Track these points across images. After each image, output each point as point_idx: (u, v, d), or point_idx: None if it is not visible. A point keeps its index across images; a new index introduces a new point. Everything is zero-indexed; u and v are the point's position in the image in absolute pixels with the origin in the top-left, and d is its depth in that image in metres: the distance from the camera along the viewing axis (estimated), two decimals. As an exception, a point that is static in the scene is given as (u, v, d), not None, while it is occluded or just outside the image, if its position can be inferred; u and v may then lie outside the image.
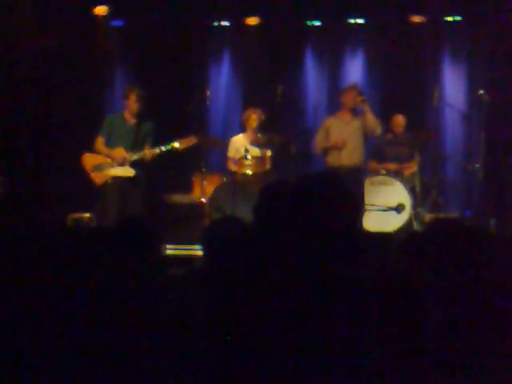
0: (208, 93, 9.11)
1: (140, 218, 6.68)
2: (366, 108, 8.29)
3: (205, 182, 8.60)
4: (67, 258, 3.03)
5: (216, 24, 10.49)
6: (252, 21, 10.19)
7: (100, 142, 8.01)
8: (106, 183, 7.94)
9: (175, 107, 9.03)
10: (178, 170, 9.19)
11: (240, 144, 8.67)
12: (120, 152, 7.95)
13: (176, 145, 7.98)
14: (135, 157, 7.94)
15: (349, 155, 8.31)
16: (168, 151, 8.00)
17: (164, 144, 7.97)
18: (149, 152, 7.95)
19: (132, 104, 7.96)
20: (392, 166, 8.82)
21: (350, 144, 8.33)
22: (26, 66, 9.08)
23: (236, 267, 2.92)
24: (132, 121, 8.04)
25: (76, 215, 8.38)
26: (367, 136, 8.44)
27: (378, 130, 8.38)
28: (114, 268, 3.03)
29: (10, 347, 2.65)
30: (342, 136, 8.31)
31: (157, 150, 7.94)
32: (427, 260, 2.83)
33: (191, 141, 8.08)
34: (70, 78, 9.33)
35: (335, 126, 8.47)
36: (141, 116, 8.09)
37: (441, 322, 2.38)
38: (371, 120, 8.26)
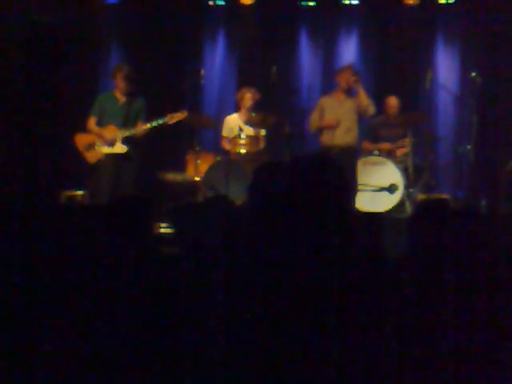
0: (202, 72, 9.07)
1: (133, 196, 6.52)
2: (360, 88, 8.31)
3: (199, 161, 8.60)
4: (60, 235, 2.98)
5: (211, 3, 10.41)
6: (247, 0, 10.12)
7: (92, 121, 8.07)
8: (98, 161, 7.96)
9: (170, 86, 8.98)
10: (172, 148, 9.20)
11: (234, 123, 8.68)
12: (111, 130, 7.99)
13: (167, 119, 8.02)
14: (127, 133, 7.95)
15: (343, 135, 8.32)
16: (160, 125, 8.00)
17: (156, 119, 8.00)
18: (140, 127, 7.96)
19: (120, 82, 8.01)
20: (385, 146, 8.84)
21: (344, 124, 8.34)
22: (19, 41, 8.86)
23: (228, 246, 2.87)
24: (122, 99, 8.08)
25: (69, 193, 8.36)
26: (361, 116, 8.47)
27: (371, 110, 8.41)
28: (108, 246, 2.99)
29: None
30: (336, 116, 8.34)
31: (148, 125, 7.94)
32: (416, 240, 2.84)
33: (182, 115, 8.09)
34: (64, 56, 9.13)
35: (330, 106, 8.51)
36: (132, 94, 8.11)
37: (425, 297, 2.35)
38: (364, 100, 8.30)
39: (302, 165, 2.31)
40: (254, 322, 2.22)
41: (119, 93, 8.09)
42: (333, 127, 8.36)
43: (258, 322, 2.21)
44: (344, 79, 8.46)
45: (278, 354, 2.18)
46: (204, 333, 2.29)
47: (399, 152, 8.85)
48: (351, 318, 2.16)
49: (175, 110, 8.19)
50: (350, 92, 8.60)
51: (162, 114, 8.13)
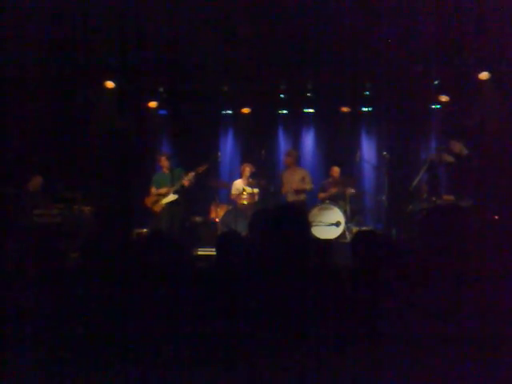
0: (219, 154, 9.69)
1: (175, 234, 7.61)
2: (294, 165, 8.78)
3: (218, 209, 9.05)
4: (134, 258, 2.97)
5: (223, 112, 11.09)
6: (246, 110, 10.78)
7: (153, 189, 8.60)
8: (162, 209, 8.47)
9: (200, 163, 9.01)
10: (201, 201, 9.54)
11: (239, 185, 9.13)
12: (165, 189, 8.50)
13: (197, 170, 8.45)
14: (175, 187, 8.38)
15: (295, 195, 8.85)
16: (195, 175, 8.42)
17: (190, 172, 8.39)
18: (186, 179, 8.40)
19: (163, 164, 8.65)
20: (333, 190, 9.19)
21: (295, 187, 8.81)
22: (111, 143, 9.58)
23: (238, 262, 3.10)
24: (167, 171, 8.60)
25: (140, 230, 8.76)
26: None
27: (309, 186, 8.91)
28: (165, 264, 2.90)
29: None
30: (290, 184, 8.84)
31: (189, 176, 8.40)
32: (355, 257, 3.03)
33: (204, 166, 8.53)
34: (133, 149, 9.85)
35: (286, 177, 9.04)
36: (171, 168, 8.61)
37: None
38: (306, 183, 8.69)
39: (280, 211, 2.35)
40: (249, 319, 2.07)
41: (164, 169, 8.64)
42: (288, 191, 8.85)
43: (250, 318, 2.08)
44: (285, 159, 9.01)
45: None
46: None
47: (341, 201, 9.09)
48: (312, 315, 2.06)
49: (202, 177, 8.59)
50: (299, 165, 8.95)
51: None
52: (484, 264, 2.35)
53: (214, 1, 7.31)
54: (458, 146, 7.50)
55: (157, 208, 8.48)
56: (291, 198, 8.80)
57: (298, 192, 8.81)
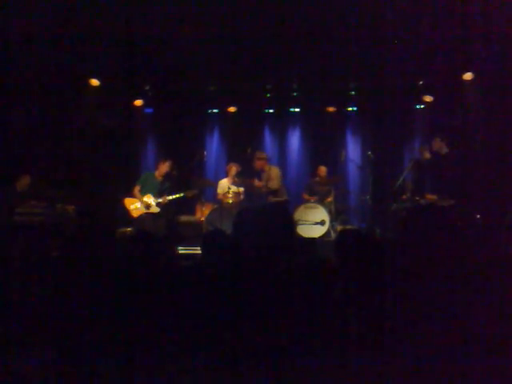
0: (205, 153, 9.64)
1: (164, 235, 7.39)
2: (266, 167, 8.69)
3: (203, 208, 8.98)
4: (117, 257, 2.97)
5: (210, 111, 11.02)
6: (232, 109, 10.71)
7: (137, 188, 8.22)
8: (140, 216, 8.20)
9: (186, 161, 9.18)
10: (187, 200, 9.23)
11: (225, 184, 9.04)
12: (149, 197, 8.18)
13: (184, 194, 8.30)
14: (158, 201, 8.16)
15: (274, 194, 8.73)
16: (178, 198, 8.24)
17: (177, 192, 8.22)
18: (165, 198, 8.18)
19: (162, 168, 8.38)
20: (315, 198, 9.23)
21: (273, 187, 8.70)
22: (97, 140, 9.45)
23: (223, 259, 3.07)
24: (160, 178, 8.33)
25: (123, 229, 8.40)
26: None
27: (274, 185, 8.77)
28: (147, 262, 2.94)
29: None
30: (267, 182, 8.75)
31: (171, 197, 8.14)
32: (340, 254, 3.03)
33: (193, 192, 8.41)
34: (117, 147, 9.66)
35: (264, 176, 8.90)
36: (165, 176, 8.39)
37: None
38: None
39: (265, 209, 2.37)
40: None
41: (158, 174, 8.34)
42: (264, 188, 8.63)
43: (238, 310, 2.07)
44: (255, 163, 8.83)
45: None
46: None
47: (327, 200, 9.16)
48: (296, 307, 2.07)
49: (189, 178, 8.51)
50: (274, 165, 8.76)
51: (182, 183, 8.40)
52: (466, 260, 2.39)
53: (200, 0, 7.30)
54: (438, 144, 7.56)
55: (135, 213, 8.21)
56: (272, 198, 8.79)
57: (278, 192, 8.78)
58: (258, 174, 8.99)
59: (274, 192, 8.64)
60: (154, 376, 1.94)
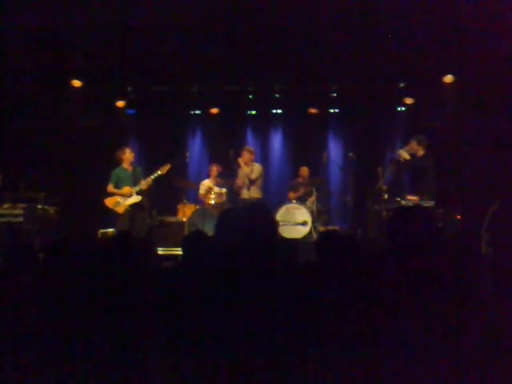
0: (187, 154, 9.61)
1: (140, 235, 7.31)
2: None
3: (185, 209, 8.95)
4: (93, 258, 2.96)
5: (192, 112, 11.02)
6: (214, 110, 10.78)
7: (110, 187, 8.12)
8: (125, 210, 8.09)
9: (167, 162, 8.66)
10: (168, 200, 9.44)
11: (207, 185, 9.07)
12: (127, 189, 8.11)
13: (159, 171, 8.13)
14: (137, 188, 8.06)
15: (251, 192, 8.80)
16: (156, 177, 8.10)
17: (151, 174, 8.10)
18: (144, 182, 8.08)
19: (127, 160, 8.24)
20: (300, 193, 9.29)
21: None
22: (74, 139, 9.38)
23: (204, 262, 3.10)
24: (129, 168, 8.24)
25: (104, 230, 8.56)
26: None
27: (254, 177, 8.81)
28: (127, 262, 2.93)
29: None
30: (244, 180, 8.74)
31: (148, 180, 8.05)
32: (321, 255, 3.03)
33: (167, 166, 8.21)
34: (99, 148, 9.58)
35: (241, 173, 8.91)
36: (133, 165, 8.31)
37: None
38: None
39: (246, 210, 2.35)
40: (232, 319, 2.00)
41: (126, 166, 8.24)
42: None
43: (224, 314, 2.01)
44: (244, 155, 8.87)
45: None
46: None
47: (309, 200, 9.17)
48: (279, 308, 2.03)
49: (169, 173, 8.34)
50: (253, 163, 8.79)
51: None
52: (447, 262, 2.38)
53: (183, 2, 7.31)
54: (415, 146, 7.64)
55: (120, 209, 8.09)
56: (254, 194, 8.86)
57: (253, 182, 8.90)
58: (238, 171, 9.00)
59: (253, 182, 8.77)
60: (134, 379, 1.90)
